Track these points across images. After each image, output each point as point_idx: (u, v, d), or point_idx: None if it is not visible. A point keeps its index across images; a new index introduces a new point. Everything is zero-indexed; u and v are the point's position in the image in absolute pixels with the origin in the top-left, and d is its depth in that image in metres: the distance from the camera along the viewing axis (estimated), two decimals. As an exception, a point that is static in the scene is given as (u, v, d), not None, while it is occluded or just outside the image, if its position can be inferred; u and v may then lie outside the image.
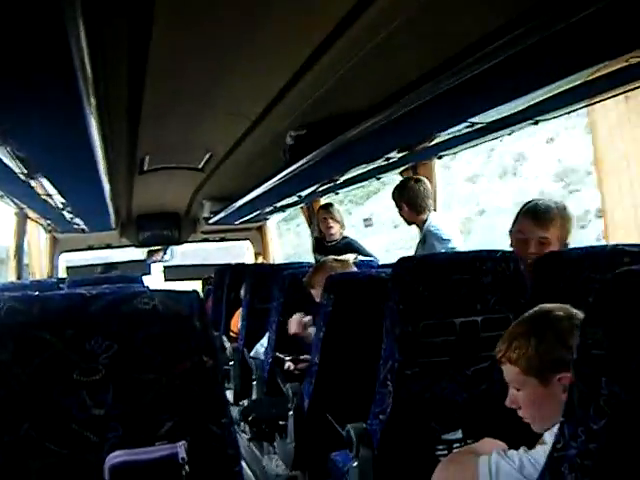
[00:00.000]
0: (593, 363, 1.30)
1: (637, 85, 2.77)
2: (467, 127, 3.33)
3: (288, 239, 17.81)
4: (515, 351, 1.71)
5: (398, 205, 4.36)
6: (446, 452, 2.39)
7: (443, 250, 4.03)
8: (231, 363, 5.24)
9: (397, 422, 2.37)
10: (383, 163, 4.32)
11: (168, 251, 8.97)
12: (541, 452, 1.61)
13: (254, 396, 4.43)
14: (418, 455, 2.40)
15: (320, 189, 5.51)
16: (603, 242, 3.17)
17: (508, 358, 1.73)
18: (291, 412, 3.34)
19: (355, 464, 2.53)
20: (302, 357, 3.70)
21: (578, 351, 1.35)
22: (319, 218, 5.84)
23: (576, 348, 1.36)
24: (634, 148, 2.95)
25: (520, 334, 1.72)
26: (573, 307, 1.81)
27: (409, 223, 4.43)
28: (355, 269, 3.77)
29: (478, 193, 17.20)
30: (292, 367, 3.73)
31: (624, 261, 2.33)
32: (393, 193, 4.40)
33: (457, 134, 3.54)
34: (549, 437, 1.63)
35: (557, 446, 1.38)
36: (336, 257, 3.86)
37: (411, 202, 4.30)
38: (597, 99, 3.00)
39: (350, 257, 5.01)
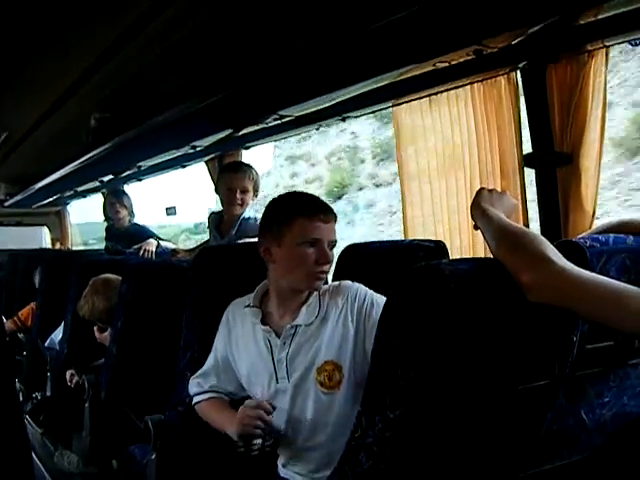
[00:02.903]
0: (390, 354, 1.33)
1: (442, 89, 2.89)
2: (275, 119, 3.35)
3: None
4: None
5: (246, 187, 3.88)
6: (245, 442, 2.39)
7: None
8: (24, 354, 5.01)
9: (195, 413, 2.34)
10: (190, 151, 4.26)
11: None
12: None
13: (48, 388, 4.26)
14: (218, 445, 2.39)
15: (123, 175, 5.37)
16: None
17: (334, 219, 2.10)
18: (87, 404, 3.23)
19: (154, 456, 2.48)
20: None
21: (376, 343, 1.38)
22: (107, 203, 5.66)
23: (374, 340, 1.39)
24: (435, 151, 3.07)
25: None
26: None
27: (233, 210, 3.95)
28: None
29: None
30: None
31: (419, 255, 2.43)
32: (243, 172, 3.91)
33: (265, 126, 3.55)
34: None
35: (355, 435, 1.41)
36: (105, 276, 3.58)
37: (257, 189, 3.96)
38: (403, 100, 3.10)
39: (153, 243, 4.90)
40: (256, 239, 2.19)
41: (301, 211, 2.05)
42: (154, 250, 4.84)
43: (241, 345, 2.20)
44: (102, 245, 6.12)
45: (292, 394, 2.07)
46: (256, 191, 3.97)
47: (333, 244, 2.08)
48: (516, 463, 1.48)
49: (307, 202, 2.11)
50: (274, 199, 2.19)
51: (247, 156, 4.67)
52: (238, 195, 3.88)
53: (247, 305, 2.21)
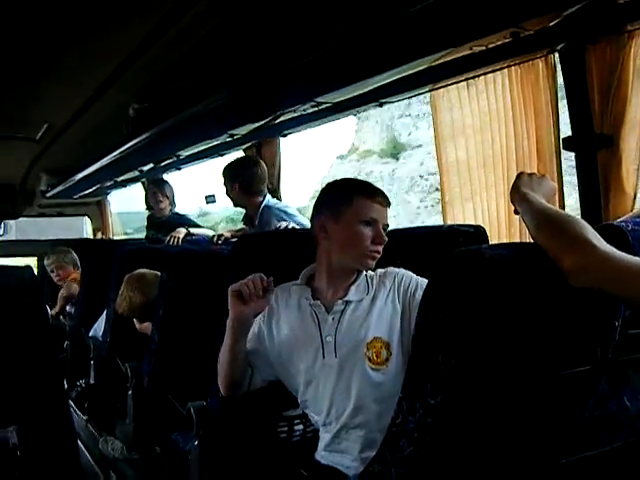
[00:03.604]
0: (430, 340, 1.33)
1: (479, 72, 2.87)
2: (313, 106, 3.35)
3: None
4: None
5: (228, 185, 4.18)
6: (287, 428, 2.40)
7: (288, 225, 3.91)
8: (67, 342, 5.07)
9: (237, 400, 2.36)
10: (227, 140, 4.28)
11: (1, 225, 8.53)
12: None
13: (92, 376, 4.31)
14: (260, 432, 2.40)
15: (162, 164, 5.41)
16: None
17: (389, 205, 2.18)
18: (130, 392, 3.27)
19: (196, 443, 2.51)
20: None
21: (417, 328, 1.38)
22: (149, 193, 5.74)
23: (415, 326, 1.40)
24: (473, 135, 3.05)
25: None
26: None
27: (236, 204, 4.30)
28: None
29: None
30: None
31: (459, 241, 2.42)
32: (225, 171, 4.24)
33: (303, 113, 3.56)
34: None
35: (396, 421, 1.41)
36: (140, 272, 3.69)
37: (244, 184, 4.16)
38: (440, 84, 3.09)
39: (181, 231, 4.92)
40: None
41: (362, 191, 2.14)
42: (181, 237, 4.85)
43: (283, 324, 2.22)
44: (139, 234, 6.18)
45: (339, 369, 2.09)
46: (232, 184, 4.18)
47: (386, 228, 2.15)
48: (558, 449, 1.47)
49: (367, 184, 2.21)
50: (330, 183, 2.28)
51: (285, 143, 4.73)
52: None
53: (295, 284, 2.26)
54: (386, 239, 2.13)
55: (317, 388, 2.13)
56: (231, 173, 4.20)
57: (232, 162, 4.33)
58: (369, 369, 2.04)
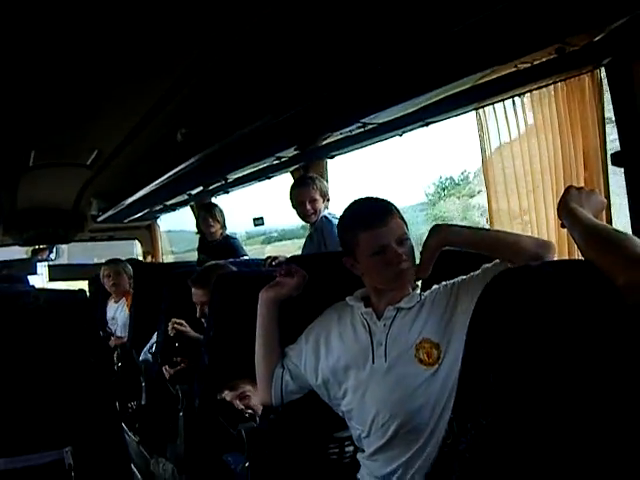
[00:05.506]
0: (480, 359, 1.32)
1: (525, 90, 2.85)
2: (359, 127, 3.36)
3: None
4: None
5: (313, 197, 4.25)
6: (338, 450, 2.40)
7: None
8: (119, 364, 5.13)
9: (288, 421, 2.36)
10: (274, 162, 4.31)
11: (54, 250, 8.68)
12: None
13: (143, 398, 4.35)
14: (311, 453, 2.40)
15: (210, 187, 5.46)
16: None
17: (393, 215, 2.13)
18: (181, 414, 3.29)
19: (247, 464, 2.51)
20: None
21: (466, 347, 1.37)
22: (200, 217, 5.82)
23: (465, 345, 1.39)
24: (520, 152, 3.04)
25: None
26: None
27: (308, 220, 4.35)
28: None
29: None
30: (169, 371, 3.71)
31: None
32: (307, 185, 4.28)
33: (349, 134, 3.57)
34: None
35: (447, 441, 1.39)
36: (221, 265, 3.76)
37: (325, 195, 4.30)
38: (485, 103, 3.08)
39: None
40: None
41: (360, 226, 2.14)
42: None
43: (334, 338, 2.25)
44: (186, 255, 6.23)
45: (388, 373, 2.09)
46: (324, 196, 4.31)
47: (404, 238, 2.12)
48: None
49: (364, 214, 2.18)
50: (341, 215, 2.29)
51: (332, 165, 4.75)
52: (308, 206, 4.24)
53: (350, 298, 2.28)
54: (403, 254, 2.10)
55: (364, 395, 2.13)
56: (314, 184, 4.29)
57: (306, 177, 4.45)
58: (420, 370, 2.05)
